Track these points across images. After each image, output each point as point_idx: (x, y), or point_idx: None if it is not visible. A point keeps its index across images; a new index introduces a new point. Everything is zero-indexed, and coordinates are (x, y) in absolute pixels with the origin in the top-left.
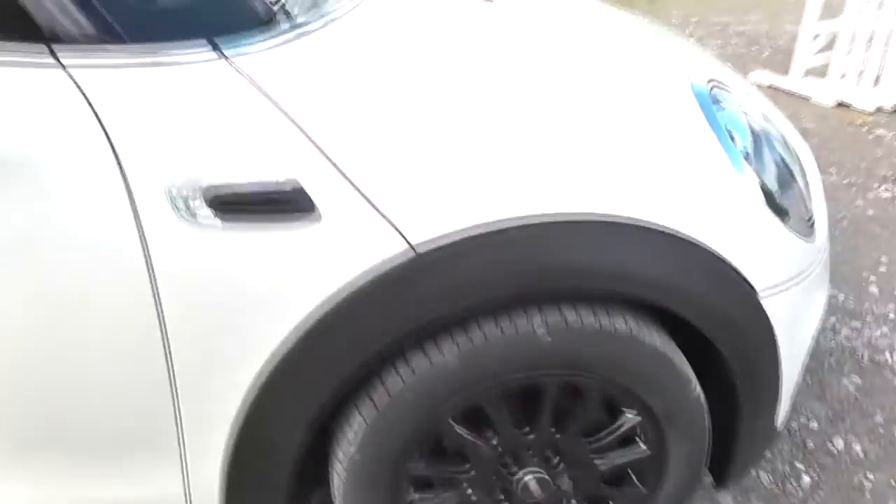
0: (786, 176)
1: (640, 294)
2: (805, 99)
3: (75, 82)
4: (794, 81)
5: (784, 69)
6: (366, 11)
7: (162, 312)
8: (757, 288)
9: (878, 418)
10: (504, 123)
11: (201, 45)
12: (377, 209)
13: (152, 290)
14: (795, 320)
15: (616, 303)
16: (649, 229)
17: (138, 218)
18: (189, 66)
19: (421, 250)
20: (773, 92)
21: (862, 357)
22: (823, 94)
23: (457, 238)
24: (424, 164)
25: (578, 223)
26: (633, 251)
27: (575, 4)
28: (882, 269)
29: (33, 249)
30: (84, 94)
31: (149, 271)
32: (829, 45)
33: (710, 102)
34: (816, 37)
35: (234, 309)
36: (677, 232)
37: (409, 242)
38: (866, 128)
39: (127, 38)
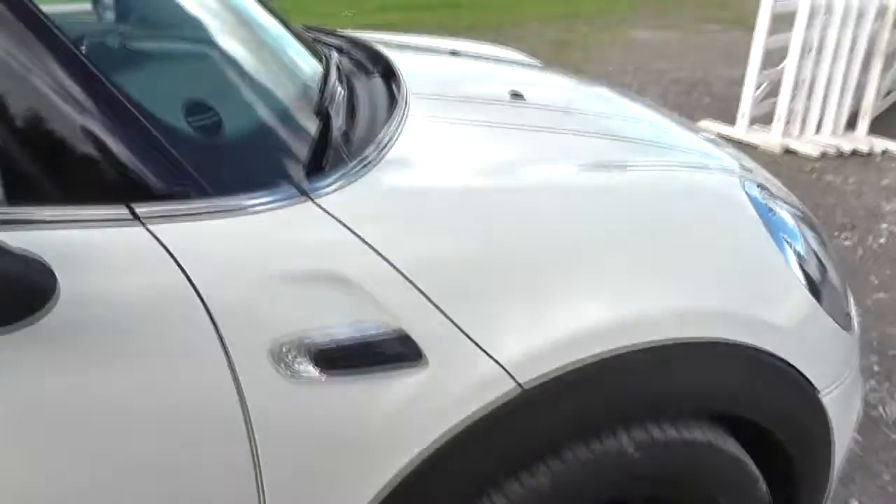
0: (823, 271)
1: (725, 408)
2: (753, 147)
3: (158, 239)
4: (741, 130)
5: (725, 116)
6: (413, 132)
7: (260, 470)
8: (819, 388)
9: (886, 476)
10: (588, 251)
11: (285, 188)
12: (483, 350)
13: (251, 447)
14: (846, 411)
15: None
16: (732, 345)
17: (236, 376)
18: (275, 211)
19: (527, 386)
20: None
21: (858, 413)
22: (770, 141)
23: (561, 372)
24: (523, 298)
25: (671, 346)
26: (719, 369)
27: (597, 98)
28: (857, 320)
29: (125, 413)
30: (169, 251)
31: (247, 429)
32: (772, 93)
33: (766, 211)
34: (760, 86)
35: (337, 459)
36: (755, 345)
37: (515, 380)
38: (815, 174)
39: (211, 192)
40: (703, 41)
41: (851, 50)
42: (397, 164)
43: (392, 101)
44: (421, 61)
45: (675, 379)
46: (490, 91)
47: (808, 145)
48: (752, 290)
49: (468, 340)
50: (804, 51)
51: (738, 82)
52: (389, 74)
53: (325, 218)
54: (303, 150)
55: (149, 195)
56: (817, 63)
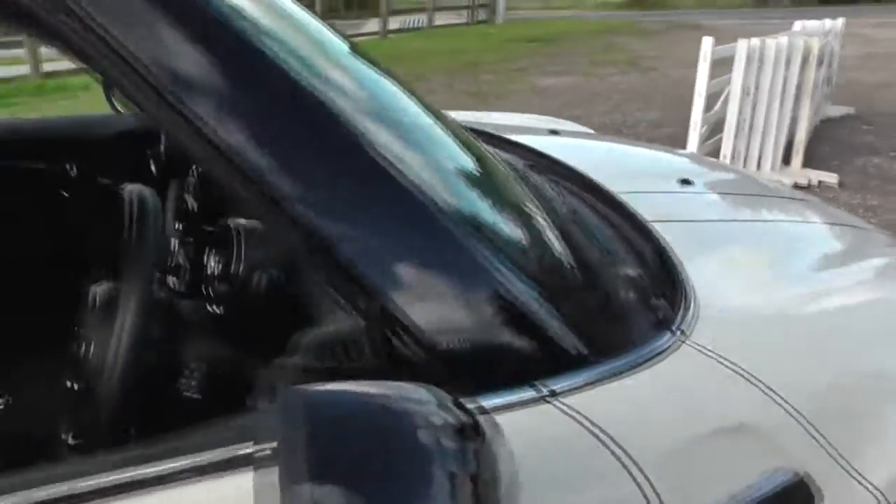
0: None
1: None
2: None
3: (574, 415)
4: None
5: None
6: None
7: None
8: None
9: None
10: None
11: (659, 332)
12: (861, 477)
13: None
14: None
15: None
16: None
17: None
18: (664, 361)
19: None
20: None
21: None
22: None
23: None
24: (886, 415)
25: None
26: None
27: (725, 171)
28: None
29: None
30: (588, 425)
31: None
32: (712, 135)
33: None
34: (703, 128)
35: None
36: None
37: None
38: None
39: (603, 352)
40: (606, 85)
41: (783, 90)
42: (712, 287)
43: (627, 214)
44: (559, 149)
45: None
46: (660, 181)
47: None
48: None
49: (846, 470)
50: (744, 93)
51: (659, 124)
52: (579, 179)
53: (707, 361)
54: (643, 287)
55: (550, 369)
56: (755, 104)
